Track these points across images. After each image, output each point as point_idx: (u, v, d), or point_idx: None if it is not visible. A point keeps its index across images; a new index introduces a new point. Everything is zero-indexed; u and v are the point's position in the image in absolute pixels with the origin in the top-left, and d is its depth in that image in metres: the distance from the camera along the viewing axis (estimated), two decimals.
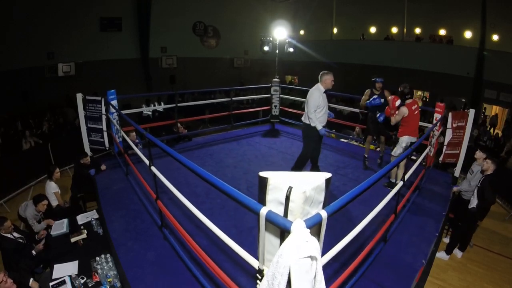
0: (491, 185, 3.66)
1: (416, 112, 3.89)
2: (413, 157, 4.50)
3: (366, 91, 4.80)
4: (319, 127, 3.84)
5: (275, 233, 1.26)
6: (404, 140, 3.93)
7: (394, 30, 13.28)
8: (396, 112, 3.98)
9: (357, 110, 6.73)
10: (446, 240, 4.13)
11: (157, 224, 3.09)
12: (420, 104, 13.35)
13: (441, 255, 3.99)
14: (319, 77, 3.85)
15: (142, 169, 3.64)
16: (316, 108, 3.79)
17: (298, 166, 4.22)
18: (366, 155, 4.87)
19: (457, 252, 4.10)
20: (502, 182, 5.95)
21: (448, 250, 4.04)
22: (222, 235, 1.74)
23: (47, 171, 4.60)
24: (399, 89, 3.91)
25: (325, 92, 3.87)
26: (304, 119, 4.00)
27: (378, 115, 4.45)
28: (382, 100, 4.51)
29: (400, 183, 2.72)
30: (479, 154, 4.24)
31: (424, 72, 11.33)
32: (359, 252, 2.33)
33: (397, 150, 3.98)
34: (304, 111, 4.04)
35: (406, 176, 2.86)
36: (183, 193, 2.29)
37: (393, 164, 2.37)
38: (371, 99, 4.57)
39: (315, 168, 4.37)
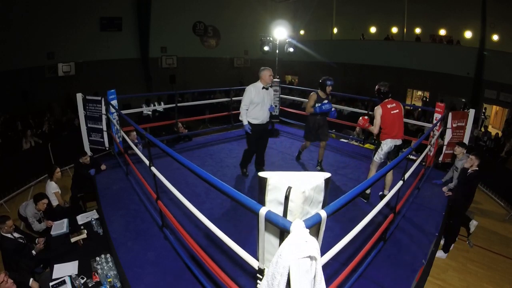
0: (476, 181, 3.76)
1: (393, 111, 3.45)
2: (412, 157, 4.51)
3: (312, 94, 4.29)
4: (245, 122, 3.94)
5: (274, 233, 1.26)
6: (387, 144, 3.52)
7: (394, 30, 13.27)
8: (367, 123, 3.61)
9: (357, 110, 6.75)
10: (442, 242, 4.11)
11: (157, 224, 3.09)
12: (420, 104, 13.38)
13: (439, 254, 3.97)
14: (258, 73, 3.92)
15: (142, 169, 3.64)
16: (249, 104, 3.89)
17: (243, 161, 4.35)
18: (300, 153, 4.95)
19: (441, 254, 3.97)
20: (502, 182, 5.97)
21: (445, 248, 4.03)
22: (222, 235, 1.74)
23: (47, 171, 4.60)
24: (376, 88, 3.53)
25: (266, 88, 3.92)
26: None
27: (333, 111, 4.18)
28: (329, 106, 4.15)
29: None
30: (458, 150, 4.28)
31: (424, 72, 11.33)
32: (358, 251, 2.33)
33: (378, 155, 3.58)
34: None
35: (406, 176, 2.86)
36: (183, 193, 2.29)
37: (392, 165, 2.35)
38: (320, 104, 4.14)
39: (259, 163, 4.37)
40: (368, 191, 3.74)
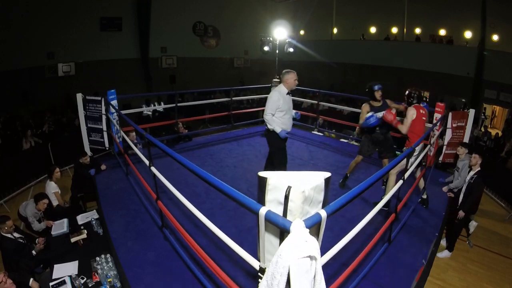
0: (483, 184, 3.74)
1: (424, 117, 3.55)
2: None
3: (364, 105, 3.79)
4: (278, 129, 3.48)
5: (274, 233, 1.26)
6: (419, 148, 3.51)
7: (394, 30, 13.27)
8: (396, 119, 3.51)
9: (358, 110, 6.75)
10: (443, 242, 4.10)
11: (157, 224, 3.09)
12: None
13: (444, 254, 4.00)
14: (281, 76, 3.54)
15: (142, 169, 3.64)
16: (275, 111, 3.48)
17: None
18: (348, 174, 4.15)
19: (446, 253, 4.04)
20: (502, 182, 5.97)
21: (450, 247, 4.05)
22: (222, 235, 1.74)
23: (47, 171, 4.60)
24: (407, 92, 3.58)
25: (288, 93, 3.55)
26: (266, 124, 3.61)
27: (369, 119, 3.57)
28: (380, 115, 3.58)
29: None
30: (461, 150, 4.31)
31: (424, 72, 11.32)
32: (359, 252, 2.34)
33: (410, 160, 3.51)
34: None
35: (406, 175, 2.85)
36: (183, 193, 2.29)
37: (392, 165, 2.34)
38: (367, 116, 3.61)
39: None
40: (425, 196, 3.73)
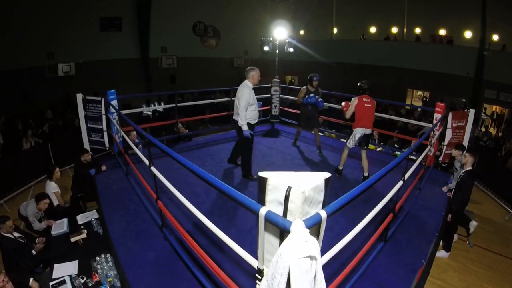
0: (470, 182, 3.76)
1: (367, 105, 4.04)
2: (412, 157, 4.51)
3: (302, 88, 5.18)
4: (245, 127, 3.82)
5: (274, 233, 1.26)
6: (358, 132, 4.11)
7: (394, 30, 13.28)
8: (346, 108, 4.23)
9: None
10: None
11: (157, 224, 3.09)
12: (420, 104, 13.39)
13: (441, 254, 4.00)
14: (245, 73, 3.89)
15: (142, 169, 3.64)
16: (247, 105, 3.78)
17: (246, 171, 4.20)
18: (293, 145, 5.73)
19: (443, 253, 4.04)
20: (502, 182, 5.97)
21: (447, 248, 4.04)
22: (222, 235, 1.74)
23: (47, 171, 4.60)
24: (358, 84, 4.13)
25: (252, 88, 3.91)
26: (235, 117, 3.93)
27: (319, 101, 5.01)
28: (317, 97, 5.04)
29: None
30: (455, 152, 4.34)
31: (424, 72, 11.33)
32: (358, 251, 2.34)
33: (350, 141, 4.22)
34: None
35: (406, 176, 2.85)
36: (183, 193, 2.29)
37: (392, 165, 2.34)
38: (307, 96, 5.03)
39: (236, 160, 4.46)
40: (340, 167, 4.40)
